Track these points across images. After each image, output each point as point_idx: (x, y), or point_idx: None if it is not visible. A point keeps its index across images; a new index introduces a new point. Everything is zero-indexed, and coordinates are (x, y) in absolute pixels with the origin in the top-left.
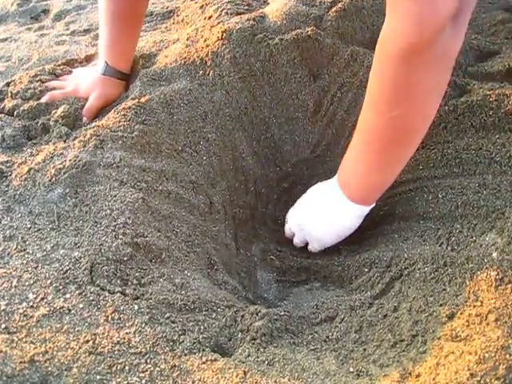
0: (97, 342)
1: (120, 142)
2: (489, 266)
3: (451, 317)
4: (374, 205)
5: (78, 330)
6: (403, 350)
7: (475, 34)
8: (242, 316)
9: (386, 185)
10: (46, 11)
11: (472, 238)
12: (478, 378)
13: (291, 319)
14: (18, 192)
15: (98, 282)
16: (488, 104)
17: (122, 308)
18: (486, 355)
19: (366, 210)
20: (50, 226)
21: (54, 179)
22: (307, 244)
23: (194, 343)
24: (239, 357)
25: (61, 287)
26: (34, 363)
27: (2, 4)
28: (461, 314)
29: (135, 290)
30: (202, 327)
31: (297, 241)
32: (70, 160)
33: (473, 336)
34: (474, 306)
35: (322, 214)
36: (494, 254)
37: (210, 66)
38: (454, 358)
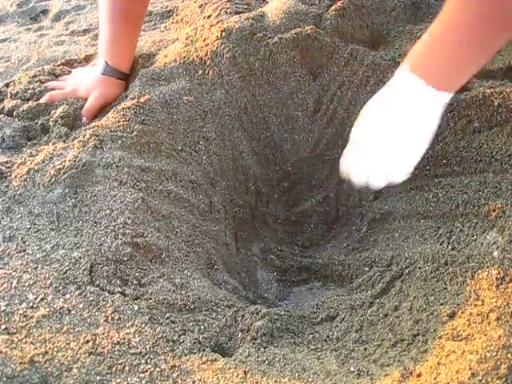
0: (97, 342)
1: (119, 141)
2: (490, 265)
3: (452, 316)
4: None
5: (77, 331)
6: (404, 350)
7: None
8: (243, 316)
9: (475, 68)
10: (45, 12)
11: (473, 236)
12: (480, 378)
13: (291, 319)
14: (18, 192)
15: (97, 282)
16: (488, 102)
17: (121, 308)
18: (488, 354)
19: (448, 97)
20: (50, 226)
21: (53, 179)
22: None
23: (194, 343)
24: (239, 357)
25: (61, 288)
26: (33, 364)
27: (2, 5)
28: (462, 313)
29: (135, 290)
30: (202, 327)
31: (358, 177)
32: (69, 160)
33: (474, 335)
34: (475, 305)
35: (393, 118)
36: (495, 253)
37: (209, 65)
38: (455, 358)
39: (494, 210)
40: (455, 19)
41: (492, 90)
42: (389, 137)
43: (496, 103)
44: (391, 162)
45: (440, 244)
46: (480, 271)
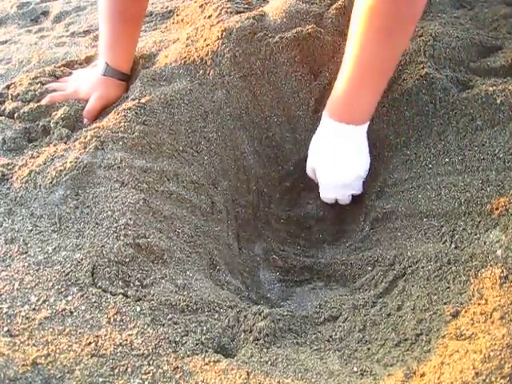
0: (99, 344)
1: (121, 142)
2: (493, 264)
3: (455, 315)
4: (368, 123)
5: (80, 333)
6: (407, 349)
7: (477, 30)
8: (245, 316)
9: (375, 102)
10: (45, 13)
11: (476, 235)
12: (484, 377)
13: (294, 319)
14: (19, 194)
15: (99, 283)
16: (491, 99)
17: (124, 310)
18: (492, 354)
19: (365, 127)
20: (52, 228)
21: (54, 181)
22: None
23: (197, 344)
24: (242, 357)
25: (63, 289)
26: (36, 366)
27: (2, 7)
28: (465, 312)
29: (137, 291)
30: (204, 328)
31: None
32: (70, 162)
33: (478, 334)
34: (479, 304)
35: (327, 155)
36: (499, 252)
37: (210, 65)
38: (459, 357)
39: (496, 209)
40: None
41: (494, 87)
42: (334, 161)
43: (498, 101)
44: (344, 176)
45: (443, 243)
46: (483, 270)
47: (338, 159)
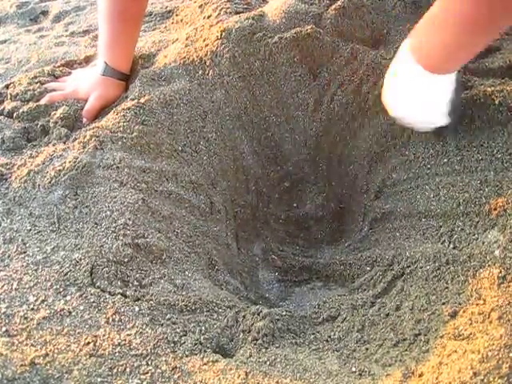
0: (97, 344)
1: (120, 142)
2: (491, 264)
3: (454, 315)
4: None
5: (78, 333)
6: (406, 350)
7: None
8: (244, 316)
9: (470, 54)
10: (45, 13)
11: (474, 235)
12: (482, 377)
13: (293, 319)
14: (18, 194)
15: (98, 283)
16: (489, 100)
17: (122, 310)
18: (490, 354)
19: (452, 76)
20: (50, 227)
21: (53, 181)
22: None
23: (196, 344)
24: (241, 357)
25: (61, 289)
26: (34, 366)
27: (2, 6)
28: (463, 312)
29: (136, 291)
30: (203, 328)
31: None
32: (69, 161)
33: (476, 334)
34: (477, 305)
35: (412, 99)
36: (497, 252)
37: (209, 65)
38: (457, 357)
39: (495, 209)
40: (448, 14)
41: (493, 88)
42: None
43: (497, 102)
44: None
45: (441, 243)
46: (481, 270)
47: (424, 108)
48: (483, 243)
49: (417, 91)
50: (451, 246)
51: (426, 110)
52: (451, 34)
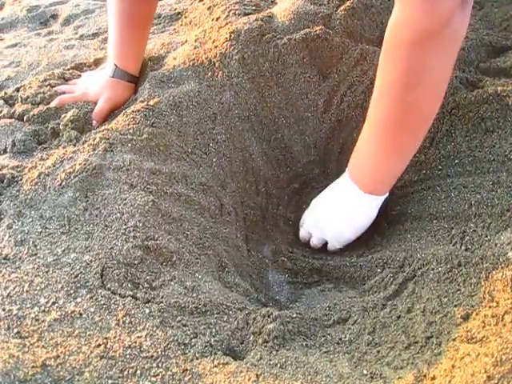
0: (108, 346)
1: (129, 144)
2: (504, 266)
3: (466, 318)
4: (387, 194)
5: (89, 334)
6: (418, 352)
7: (487, 30)
8: (254, 318)
9: (399, 172)
10: (54, 16)
11: (486, 237)
12: (496, 381)
13: (303, 321)
14: (29, 197)
15: (108, 285)
16: (501, 100)
17: (133, 312)
18: (503, 357)
19: (382, 199)
20: (61, 230)
21: (64, 183)
22: (325, 244)
23: (206, 346)
24: (251, 360)
25: (72, 291)
26: (45, 368)
27: (12, 10)
28: (476, 314)
29: (146, 293)
30: (213, 330)
31: (315, 242)
32: (79, 164)
33: (489, 337)
34: (490, 307)
35: (339, 211)
36: (510, 253)
37: (218, 67)
38: (470, 360)
39: (507, 210)
40: (376, 125)
41: (504, 87)
42: (334, 221)
43: (509, 102)
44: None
45: (453, 245)
46: (494, 272)
47: (349, 223)
48: (496, 245)
49: (347, 208)
50: (463, 247)
51: (349, 226)
52: (382, 148)
